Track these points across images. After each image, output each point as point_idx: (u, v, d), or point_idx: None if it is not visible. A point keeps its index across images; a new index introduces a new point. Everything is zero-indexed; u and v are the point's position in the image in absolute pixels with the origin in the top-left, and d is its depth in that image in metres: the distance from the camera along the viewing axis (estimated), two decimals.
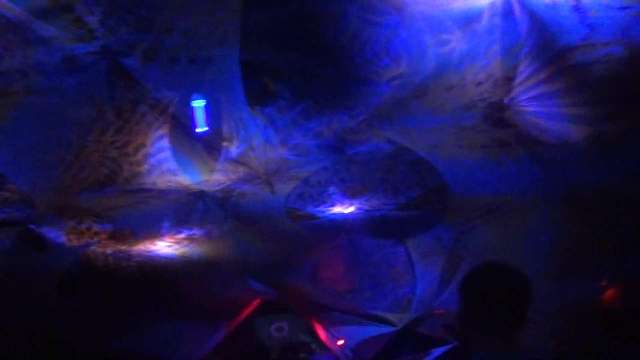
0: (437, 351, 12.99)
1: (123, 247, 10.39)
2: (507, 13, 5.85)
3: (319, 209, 10.07)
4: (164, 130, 7.53)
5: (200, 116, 6.91)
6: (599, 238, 9.55)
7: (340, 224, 10.75)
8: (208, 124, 6.98)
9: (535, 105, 6.82)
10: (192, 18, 6.00)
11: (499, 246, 10.09)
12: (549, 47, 5.97)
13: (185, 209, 9.57)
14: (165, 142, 7.74)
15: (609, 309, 11.46)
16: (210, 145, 7.89)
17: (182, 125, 7.43)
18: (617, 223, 9.25)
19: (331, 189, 9.46)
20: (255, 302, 14.35)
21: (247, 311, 14.43)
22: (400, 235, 11.41)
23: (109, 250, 10.45)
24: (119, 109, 7.03)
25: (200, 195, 9.18)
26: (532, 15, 5.70)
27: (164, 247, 10.68)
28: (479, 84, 6.76)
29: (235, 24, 6.11)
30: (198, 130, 7.00)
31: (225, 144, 7.78)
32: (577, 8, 5.41)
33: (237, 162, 8.17)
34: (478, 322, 3.19)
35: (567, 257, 9.78)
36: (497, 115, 7.30)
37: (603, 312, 11.45)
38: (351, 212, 10.28)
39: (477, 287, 3.26)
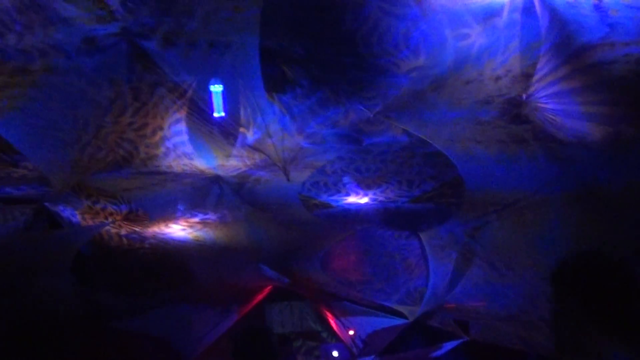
0: (448, 345, 13.00)
1: (137, 229, 10.46)
2: (527, 9, 5.82)
3: (334, 198, 10.09)
4: (181, 114, 7.56)
5: (217, 101, 6.91)
6: (614, 238, 9.52)
7: (354, 214, 10.77)
8: (225, 110, 6.98)
9: (553, 102, 6.80)
10: (213, 3, 6.00)
11: (512, 242, 10.07)
12: (568, 45, 5.94)
13: (200, 193, 9.61)
14: (182, 126, 7.77)
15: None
16: (227, 131, 7.90)
17: (199, 110, 7.45)
18: (632, 223, 9.21)
19: (346, 179, 9.47)
20: (267, 289, 14.41)
21: (259, 297, 14.50)
22: (414, 227, 11.41)
23: (123, 231, 10.52)
24: (138, 91, 7.06)
25: (215, 179, 9.23)
26: (553, 12, 5.67)
27: (178, 230, 10.74)
28: (498, 79, 6.73)
29: (256, 10, 6.11)
30: (215, 115, 6.99)
31: (242, 130, 7.80)
32: (597, 7, 5.38)
33: (253, 148, 8.19)
34: (588, 321, 2.76)
35: None
36: (515, 111, 7.28)
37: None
38: (365, 203, 10.30)
39: (583, 279, 2.80)
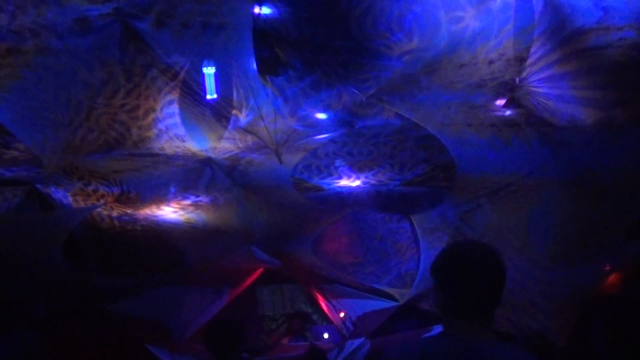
0: (438, 327, 13.04)
1: (129, 211, 10.43)
2: None
3: (326, 181, 10.08)
4: (173, 96, 7.53)
5: (210, 83, 6.88)
6: (605, 222, 9.56)
7: (346, 197, 10.77)
8: (218, 92, 6.96)
9: (547, 86, 6.80)
10: None
11: (503, 226, 10.11)
12: (562, 29, 5.94)
13: (192, 176, 9.59)
14: (174, 108, 7.74)
15: (612, 295, 11.48)
16: (220, 113, 7.89)
17: (192, 92, 7.42)
18: (624, 208, 9.25)
19: (338, 162, 9.47)
20: (259, 271, 14.43)
21: (250, 280, 14.52)
22: (405, 210, 11.43)
23: (114, 213, 10.49)
24: (130, 72, 7.01)
25: (207, 162, 9.20)
26: None
27: (170, 212, 10.71)
28: (491, 62, 6.73)
29: None
30: (208, 97, 6.97)
31: (234, 112, 7.78)
32: None
33: (245, 130, 8.17)
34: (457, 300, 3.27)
35: (572, 240, 9.79)
36: (508, 95, 7.29)
37: (605, 297, 11.48)
38: (357, 186, 10.29)
39: (453, 265, 3.36)
